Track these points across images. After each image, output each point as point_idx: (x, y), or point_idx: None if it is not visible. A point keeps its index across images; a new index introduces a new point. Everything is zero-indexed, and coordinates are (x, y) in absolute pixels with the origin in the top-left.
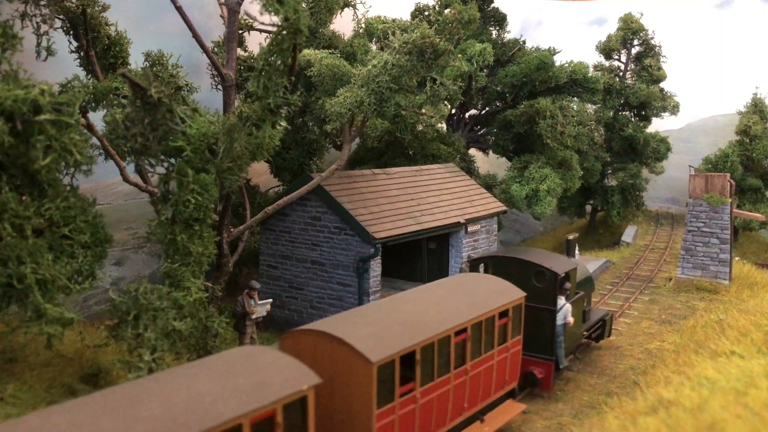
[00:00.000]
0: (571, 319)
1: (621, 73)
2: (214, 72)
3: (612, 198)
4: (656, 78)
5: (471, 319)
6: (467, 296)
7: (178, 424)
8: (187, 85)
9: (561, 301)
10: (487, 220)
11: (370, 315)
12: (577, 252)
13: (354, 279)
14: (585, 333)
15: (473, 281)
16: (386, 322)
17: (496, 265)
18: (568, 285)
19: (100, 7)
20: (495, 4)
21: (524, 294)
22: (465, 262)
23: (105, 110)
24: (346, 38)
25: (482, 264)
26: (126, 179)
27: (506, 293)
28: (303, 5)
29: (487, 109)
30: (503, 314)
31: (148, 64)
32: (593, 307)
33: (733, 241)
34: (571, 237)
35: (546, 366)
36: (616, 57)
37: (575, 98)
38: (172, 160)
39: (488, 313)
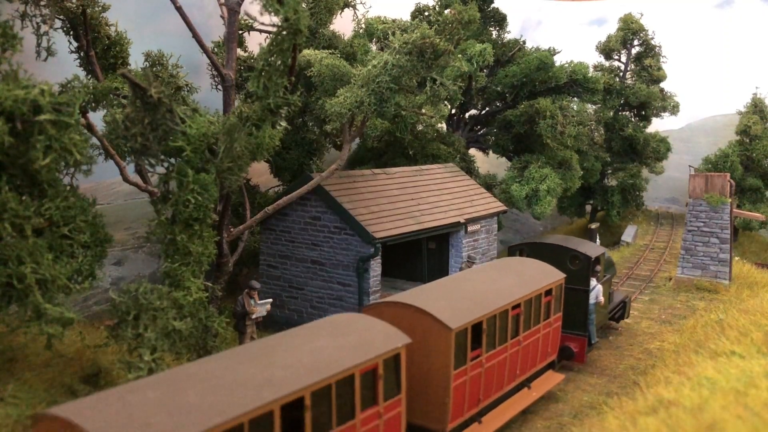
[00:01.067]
0: (602, 299)
1: (621, 73)
2: (214, 72)
3: (612, 198)
4: (656, 78)
5: (524, 296)
6: (518, 277)
7: (310, 370)
8: (187, 85)
9: (593, 282)
10: (487, 220)
11: (438, 291)
12: (597, 240)
13: (354, 279)
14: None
15: (521, 264)
16: (455, 297)
17: (533, 250)
18: (598, 268)
19: (100, 8)
20: (495, 5)
21: (564, 275)
22: (465, 262)
23: (105, 110)
24: (346, 38)
25: (519, 250)
26: (126, 179)
27: (550, 274)
28: (303, 5)
29: (487, 109)
30: (548, 293)
31: (148, 64)
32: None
33: (733, 241)
34: (593, 226)
35: (580, 341)
36: (616, 57)
37: (575, 98)
38: (172, 160)
39: (537, 292)
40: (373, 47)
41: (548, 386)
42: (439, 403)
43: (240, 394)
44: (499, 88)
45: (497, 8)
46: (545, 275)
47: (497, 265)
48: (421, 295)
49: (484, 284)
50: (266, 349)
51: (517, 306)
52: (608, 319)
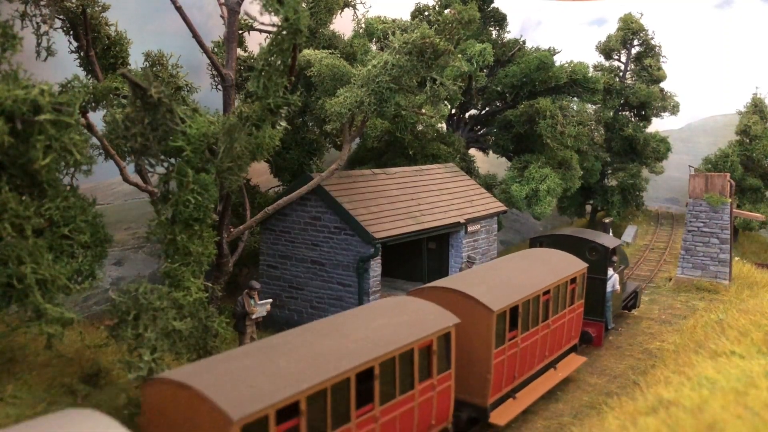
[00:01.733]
0: (618, 287)
1: (621, 73)
2: (214, 72)
3: (612, 198)
4: (656, 78)
5: (553, 282)
6: (547, 266)
7: (377, 344)
8: (187, 85)
9: (610, 271)
10: (487, 220)
11: (476, 277)
12: (611, 233)
13: (354, 279)
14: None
15: (547, 254)
16: (492, 283)
17: (554, 242)
18: (615, 258)
19: (100, 7)
20: (495, 4)
21: (587, 265)
22: (465, 262)
23: (105, 110)
24: (346, 38)
25: (540, 242)
26: (126, 179)
27: (574, 264)
28: (303, 5)
29: (487, 109)
30: (573, 281)
31: (148, 64)
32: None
33: (733, 241)
34: (606, 220)
35: (598, 326)
36: (616, 57)
37: (575, 98)
38: (172, 160)
39: (563, 279)
40: (373, 47)
41: (571, 368)
42: (481, 379)
43: (322, 363)
44: (499, 88)
45: (497, 8)
46: (570, 265)
47: (525, 254)
48: (461, 281)
49: (517, 272)
50: (336, 325)
51: (547, 292)
52: (621, 308)
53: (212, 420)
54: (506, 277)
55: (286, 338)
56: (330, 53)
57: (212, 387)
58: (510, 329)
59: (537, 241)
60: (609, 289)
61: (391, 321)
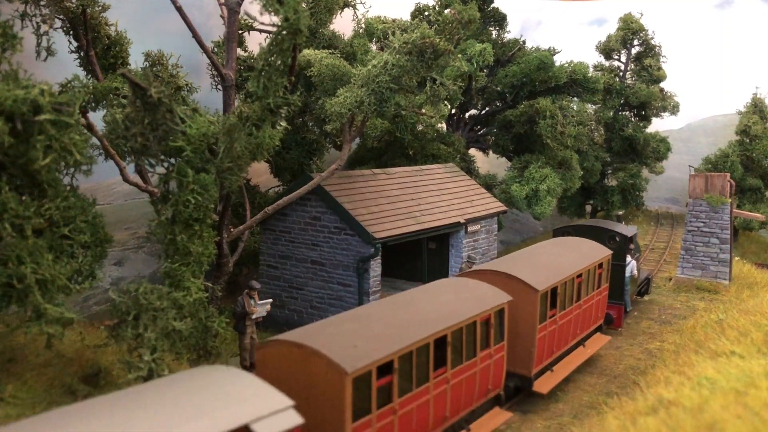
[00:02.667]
0: (636, 272)
1: (621, 73)
2: (214, 72)
3: (612, 198)
4: (656, 78)
5: (584, 267)
6: (576, 252)
7: (448, 316)
8: (187, 85)
9: (628, 258)
10: (487, 220)
11: (518, 261)
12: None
13: (354, 279)
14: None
15: (576, 242)
16: (533, 266)
17: (576, 231)
18: (632, 246)
19: (100, 7)
20: (495, 4)
21: (611, 252)
22: (465, 262)
23: (105, 110)
24: (346, 38)
25: (564, 232)
26: (126, 179)
27: (601, 251)
28: (303, 5)
29: (487, 109)
30: (600, 266)
31: (148, 64)
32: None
33: (733, 241)
34: (620, 213)
35: (618, 309)
36: (616, 57)
37: (575, 98)
38: (172, 160)
39: (593, 264)
40: (373, 47)
41: (597, 346)
42: (527, 351)
43: (408, 329)
44: (499, 88)
45: (497, 8)
46: (597, 251)
47: (557, 242)
48: (506, 265)
49: (553, 257)
50: (410, 299)
51: (580, 275)
52: (635, 294)
53: (328, 373)
54: (544, 261)
55: (371, 309)
56: (330, 53)
57: (326, 346)
58: (550, 308)
59: (561, 231)
60: (627, 274)
61: (457, 297)
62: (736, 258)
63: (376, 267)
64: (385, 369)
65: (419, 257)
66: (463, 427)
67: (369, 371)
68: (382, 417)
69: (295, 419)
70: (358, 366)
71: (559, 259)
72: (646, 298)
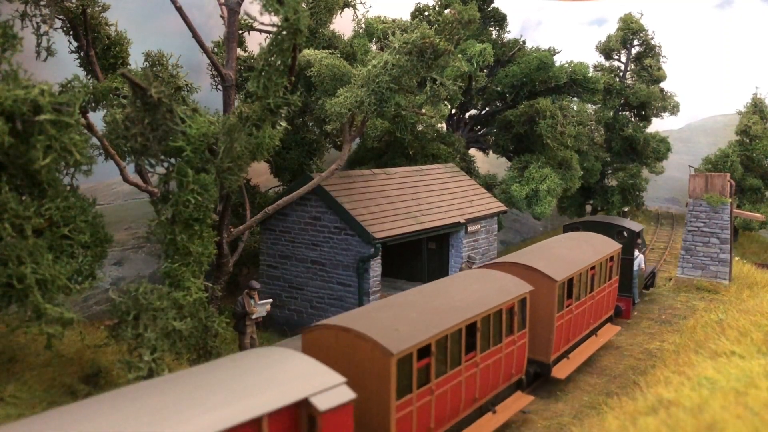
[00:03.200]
0: (643, 266)
1: (621, 73)
2: (214, 72)
3: (612, 198)
4: (656, 78)
5: (597, 260)
6: (589, 245)
7: (476, 304)
8: (187, 85)
9: (636, 252)
10: (487, 220)
11: (535, 253)
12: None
13: (354, 279)
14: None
15: (588, 236)
16: (550, 258)
17: (586, 226)
18: (640, 241)
19: (100, 7)
20: (495, 4)
21: (621, 246)
22: (465, 262)
23: (105, 110)
24: (346, 38)
25: (574, 227)
26: (126, 179)
27: (611, 245)
28: (303, 5)
29: (487, 109)
30: (611, 259)
31: (148, 64)
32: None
33: (733, 241)
34: (626, 209)
35: (627, 301)
36: (616, 57)
37: (575, 98)
38: (172, 160)
39: (605, 257)
40: (373, 47)
41: (609, 335)
42: (546, 339)
43: (442, 315)
44: (499, 88)
45: (497, 8)
46: (608, 245)
47: (569, 236)
48: (525, 257)
49: (568, 250)
50: (440, 289)
51: (593, 268)
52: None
53: (374, 354)
54: (560, 254)
55: (405, 298)
56: (330, 53)
57: (371, 330)
58: (567, 298)
59: (571, 227)
60: (636, 267)
61: (483, 286)
62: (736, 258)
63: (376, 267)
64: (423, 352)
65: (419, 257)
66: (489, 408)
67: (410, 353)
68: (422, 396)
69: (349, 394)
70: (401, 348)
71: (574, 252)
72: (652, 290)
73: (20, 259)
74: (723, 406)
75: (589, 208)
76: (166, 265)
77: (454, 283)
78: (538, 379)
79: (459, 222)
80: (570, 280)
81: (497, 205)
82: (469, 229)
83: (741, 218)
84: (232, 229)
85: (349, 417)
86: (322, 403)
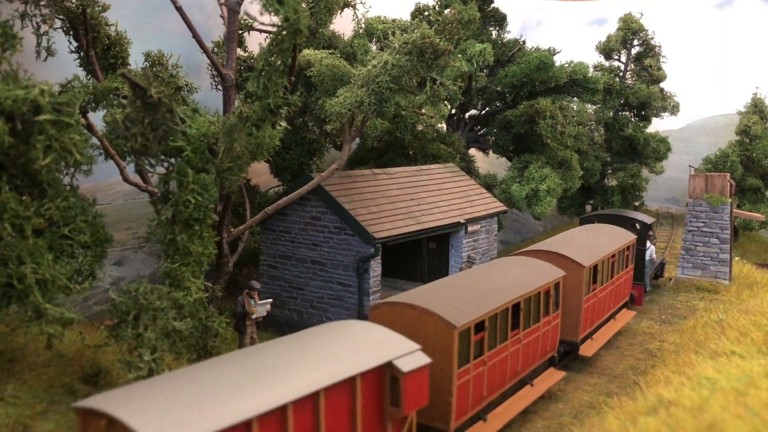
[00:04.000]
0: (654, 256)
1: (621, 73)
2: (214, 72)
3: (612, 198)
4: (656, 78)
5: (617, 249)
6: (608, 236)
7: (518, 287)
8: (187, 85)
9: (648, 243)
10: (487, 220)
11: (562, 242)
12: None
13: (354, 279)
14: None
15: (606, 228)
16: (577, 246)
17: (601, 219)
18: (651, 232)
19: (100, 7)
20: (495, 4)
21: (635, 237)
22: (465, 262)
23: (105, 110)
24: (346, 38)
25: (590, 220)
26: (126, 179)
27: (628, 236)
28: (303, 5)
29: (487, 109)
30: (628, 248)
31: (148, 64)
32: None
33: (733, 241)
34: (637, 203)
35: (639, 288)
36: (616, 57)
37: (575, 98)
38: (172, 160)
39: (622, 247)
40: (373, 47)
41: (625, 320)
42: (575, 320)
43: (492, 296)
44: (499, 88)
45: (497, 8)
46: (625, 236)
47: (589, 228)
48: (552, 246)
49: (590, 239)
50: (485, 273)
51: (614, 256)
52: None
53: (438, 327)
54: (584, 243)
55: (456, 280)
56: (330, 53)
57: (434, 306)
58: (592, 282)
59: (587, 219)
60: (647, 258)
61: (523, 271)
62: (736, 258)
63: (376, 267)
64: (479, 327)
65: (419, 257)
66: (527, 382)
67: (469, 328)
68: (477, 366)
69: (425, 358)
70: (462, 322)
71: (596, 241)
72: (660, 280)
73: (20, 259)
74: (723, 406)
75: (589, 208)
76: (166, 265)
77: (497, 268)
78: (567, 357)
79: (459, 222)
80: (595, 267)
81: (497, 205)
82: (469, 229)
83: (741, 218)
84: (232, 229)
85: (425, 378)
86: (404, 365)
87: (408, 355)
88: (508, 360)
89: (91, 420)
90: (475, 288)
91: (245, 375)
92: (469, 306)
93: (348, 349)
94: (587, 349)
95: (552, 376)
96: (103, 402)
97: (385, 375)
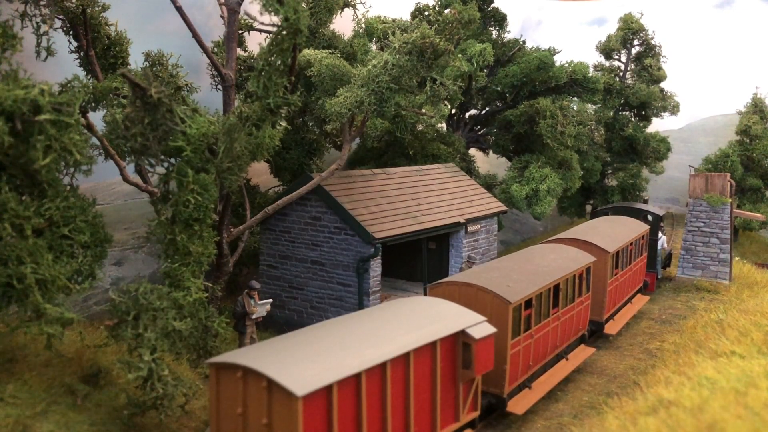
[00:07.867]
0: (666, 246)
1: (621, 73)
2: (214, 72)
3: (612, 198)
4: (656, 78)
5: (633, 238)
6: (626, 227)
7: (558, 270)
8: (187, 85)
9: (659, 234)
10: (487, 220)
11: (586, 231)
12: None
13: (354, 279)
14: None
15: (622, 219)
16: (600, 235)
17: (615, 211)
18: (662, 224)
19: (100, 7)
20: (495, 4)
21: (649, 227)
22: (465, 262)
23: (105, 110)
24: (346, 38)
25: (605, 212)
26: (126, 179)
27: (642, 226)
28: (303, 5)
29: (487, 109)
30: (642, 238)
31: (148, 64)
32: None
33: (733, 241)
34: (646, 197)
35: (651, 276)
36: (616, 57)
37: (575, 98)
38: (172, 160)
39: (638, 236)
40: (373, 47)
41: (640, 304)
42: (600, 302)
43: (536, 277)
44: (499, 88)
45: (497, 8)
46: (639, 226)
47: (605, 219)
48: (578, 234)
49: (609, 229)
50: (526, 257)
51: (631, 244)
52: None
53: (494, 303)
54: (605, 232)
55: (504, 263)
56: (330, 53)
57: (490, 285)
58: (614, 267)
59: (601, 212)
60: (659, 247)
61: (559, 256)
62: (736, 258)
63: (376, 267)
64: (528, 304)
65: (419, 257)
66: (562, 356)
67: (520, 304)
68: (526, 339)
69: (492, 328)
70: (516, 299)
71: (615, 230)
72: (667, 269)
73: (20, 259)
74: (723, 406)
75: (589, 208)
76: (166, 265)
77: (536, 254)
78: (593, 335)
79: (459, 222)
80: (617, 253)
81: (497, 205)
82: (469, 229)
83: (741, 218)
84: (232, 229)
85: (491, 346)
86: (476, 333)
87: (477, 325)
88: (549, 335)
89: (226, 374)
90: (521, 270)
91: (351, 336)
92: (519, 285)
93: (429, 318)
94: (611, 328)
95: (583, 352)
96: (236, 357)
97: (459, 341)
